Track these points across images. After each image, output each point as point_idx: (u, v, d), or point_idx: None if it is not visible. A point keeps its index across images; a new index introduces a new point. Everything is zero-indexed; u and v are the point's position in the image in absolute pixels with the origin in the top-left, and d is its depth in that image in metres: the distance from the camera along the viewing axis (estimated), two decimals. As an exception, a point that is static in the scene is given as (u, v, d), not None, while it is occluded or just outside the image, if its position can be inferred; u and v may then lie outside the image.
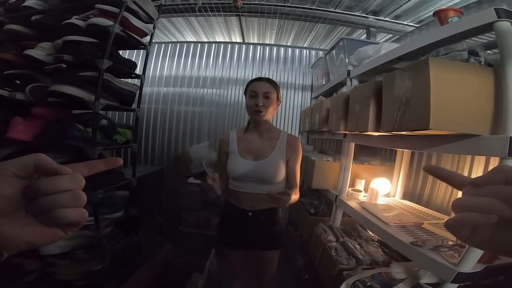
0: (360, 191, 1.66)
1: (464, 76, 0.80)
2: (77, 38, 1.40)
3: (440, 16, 1.09)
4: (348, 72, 1.71)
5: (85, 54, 1.36)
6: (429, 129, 0.79)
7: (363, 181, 1.73)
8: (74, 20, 1.42)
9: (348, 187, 1.64)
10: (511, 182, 0.28)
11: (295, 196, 1.26)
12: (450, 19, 1.04)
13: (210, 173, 1.12)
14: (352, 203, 1.50)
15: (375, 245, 1.44)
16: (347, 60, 1.86)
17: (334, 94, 2.02)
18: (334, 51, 2.21)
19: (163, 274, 1.76)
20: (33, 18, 1.53)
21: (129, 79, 1.70)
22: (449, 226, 0.29)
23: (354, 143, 1.57)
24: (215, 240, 1.46)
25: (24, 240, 0.30)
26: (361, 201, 1.52)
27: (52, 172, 0.31)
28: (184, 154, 1.20)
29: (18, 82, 1.58)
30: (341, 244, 1.44)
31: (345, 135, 1.62)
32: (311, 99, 3.01)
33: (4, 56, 1.53)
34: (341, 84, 1.94)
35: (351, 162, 1.60)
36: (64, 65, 1.41)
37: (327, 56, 2.41)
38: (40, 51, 1.46)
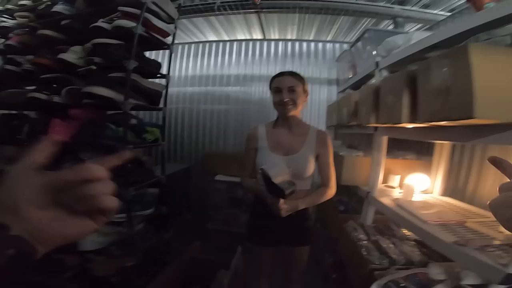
0: (394, 188, 1.58)
1: (510, 61, 0.74)
2: (105, 41, 1.45)
3: (475, 2, 1.01)
4: (377, 63, 1.63)
5: (113, 56, 1.40)
6: (474, 118, 0.73)
7: (397, 177, 1.64)
8: (101, 23, 1.46)
9: (381, 183, 1.56)
10: None
11: (330, 191, 1.33)
12: (486, 4, 0.96)
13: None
14: (385, 200, 1.43)
15: (410, 244, 1.37)
16: (374, 51, 1.77)
17: (362, 86, 1.94)
18: (359, 43, 2.12)
19: (190, 271, 1.78)
20: (63, 22, 1.59)
21: (155, 79, 1.74)
22: (492, 205, 0.31)
23: (386, 137, 1.50)
24: (244, 236, 1.46)
25: (60, 233, 0.31)
26: (395, 198, 1.45)
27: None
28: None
29: (55, 85, 1.65)
30: (372, 243, 1.40)
31: (375, 128, 1.55)
32: (337, 93, 2.92)
33: (40, 61, 1.62)
34: (369, 76, 1.86)
35: (384, 157, 1.53)
36: (94, 67, 1.46)
37: (352, 48, 2.32)
38: (72, 55, 1.52)
